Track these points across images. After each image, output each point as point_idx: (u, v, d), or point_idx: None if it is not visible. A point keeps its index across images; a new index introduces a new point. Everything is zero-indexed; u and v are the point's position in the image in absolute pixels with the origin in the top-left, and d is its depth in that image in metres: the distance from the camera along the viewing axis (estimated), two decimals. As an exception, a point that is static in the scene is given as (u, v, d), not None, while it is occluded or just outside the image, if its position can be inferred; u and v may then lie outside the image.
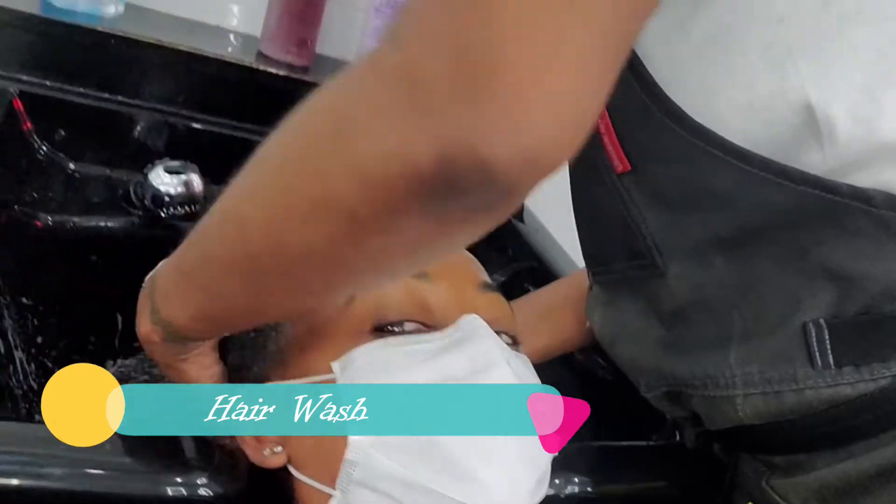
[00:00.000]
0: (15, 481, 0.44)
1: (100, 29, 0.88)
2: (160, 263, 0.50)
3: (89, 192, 0.87)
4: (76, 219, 0.83)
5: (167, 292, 0.48)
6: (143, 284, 0.50)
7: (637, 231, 0.53)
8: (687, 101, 0.47)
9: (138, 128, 0.91)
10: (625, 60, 0.33)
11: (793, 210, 0.47)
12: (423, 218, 0.34)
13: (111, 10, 0.91)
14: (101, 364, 0.85)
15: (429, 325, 0.50)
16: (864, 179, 0.45)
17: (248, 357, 0.55)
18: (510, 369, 0.48)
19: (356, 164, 0.34)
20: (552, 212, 1.03)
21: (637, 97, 0.49)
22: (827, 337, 0.48)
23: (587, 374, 0.76)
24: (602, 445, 0.62)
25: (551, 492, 0.52)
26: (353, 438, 0.46)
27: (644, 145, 0.51)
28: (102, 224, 0.85)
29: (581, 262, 0.86)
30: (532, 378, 0.51)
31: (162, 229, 0.85)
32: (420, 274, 0.51)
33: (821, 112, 0.44)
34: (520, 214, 1.03)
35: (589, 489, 0.59)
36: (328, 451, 0.47)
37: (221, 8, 1.01)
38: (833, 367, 0.48)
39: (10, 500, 0.45)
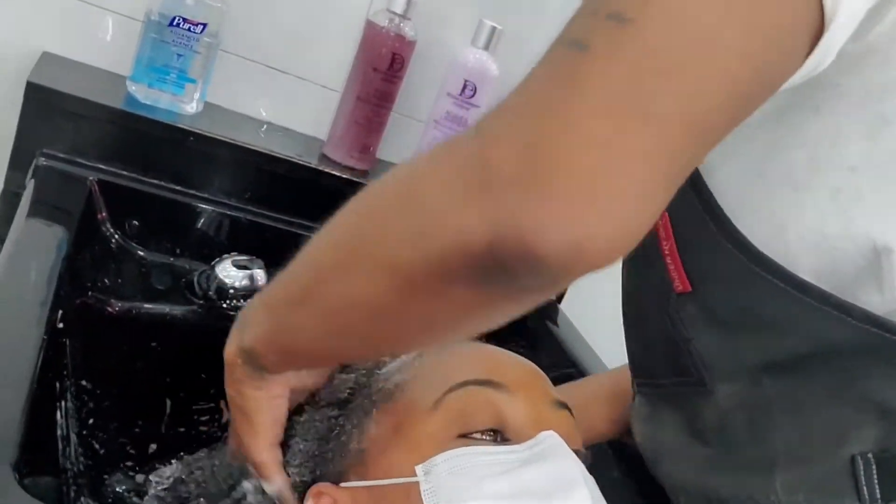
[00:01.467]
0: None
1: (179, 125, 0.93)
2: (254, 297, 0.56)
3: (154, 280, 0.90)
4: (145, 305, 0.86)
5: (251, 321, 0.54)
6: (241, 312, 0.57)
7: (685, 348, 0.55)
8: (753, 232, 0.49)
9: (205, 220, 0.95)
10: (685, 179, 0.36)
11: (847, 343, 0.48)
12: (471, 290, 0.37)
13: (190, 108, 0.96)
14: (144, 447, 0.87)
15: (506, 438, 0.52)
16: None
17: (328, 452, 0.56)
18: (587, 489, 0.49)
19: (419, 232, 0.37)
20: (585, 316, 1.06)
21: (704, 223, 0.51)
22: (875, 472, 0.49)
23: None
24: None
25: None
26: None
27: (705, 268, 0.53)
28: (167, 311, 0.87)
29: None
30: (602, 499, 0.51)
31: (221, 320, 0.87)
32: (500, 386, 0.53)
33: (885, 257, 0.46)
34: (554, 317, 1.05)
35: None
36: None
37: (291, 111, 1.06)
38: (881, 501, 0.49)
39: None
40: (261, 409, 0.56)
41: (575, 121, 0.33)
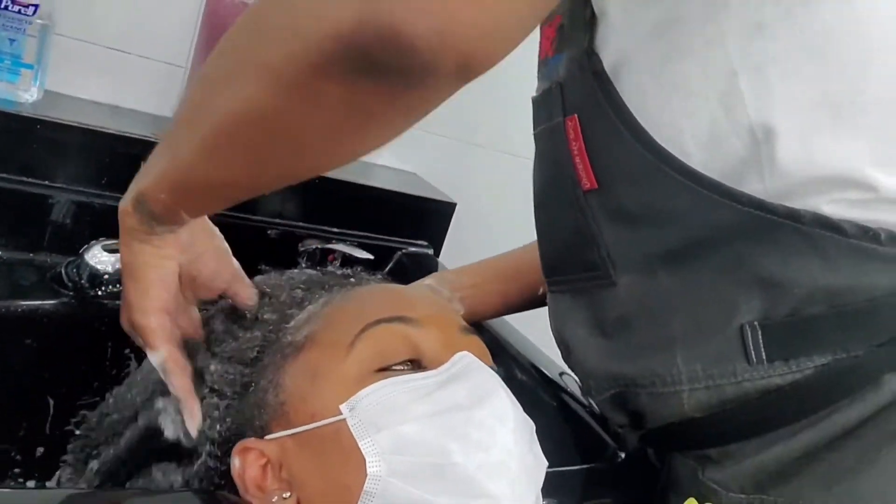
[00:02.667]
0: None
1: (20, 114, 0.88)
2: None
3: (16, 277, 0.86)
4: (14, 302, 0.82)
5: (148, 165, 0.53)
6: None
7: (593, 243, 0.60)
8: (655, 130, 0.56)
9: (62, 211, 0.91)
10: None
11: (735, 227, 0.55)
12: (343, 86, 0.38)
13: (29, 96, 0.92)
14: (31, 451, 0.84)
15: (423, 366, 0.55)
16: (796, 203, 0.54)
17: (246, 409, 0.58)
18: (506, 395, 0.54)
19: (292, 26, 0.39)
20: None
21: (612, 124, 0.57)
22: (760, 337, 0.56)
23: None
24: (563, 470, 0.68)
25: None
26: (371, 470, 0.49)
27: (612, 167, 0.58)
28: (38, 306, 0.84)
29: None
30: (519, 405, 0.56)
31: (99, 309, 0.85)
32: (410, 320, 0.56)
33: (765, 150, 0.53)
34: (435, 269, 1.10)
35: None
36: (343, 486, 0.51)
37: (136, 93, 1.03)
38: (766, 362, 0.56)
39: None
40: (147, 265, 0.56)
41: None
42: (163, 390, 0.61)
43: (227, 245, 0.63)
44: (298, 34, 0.38)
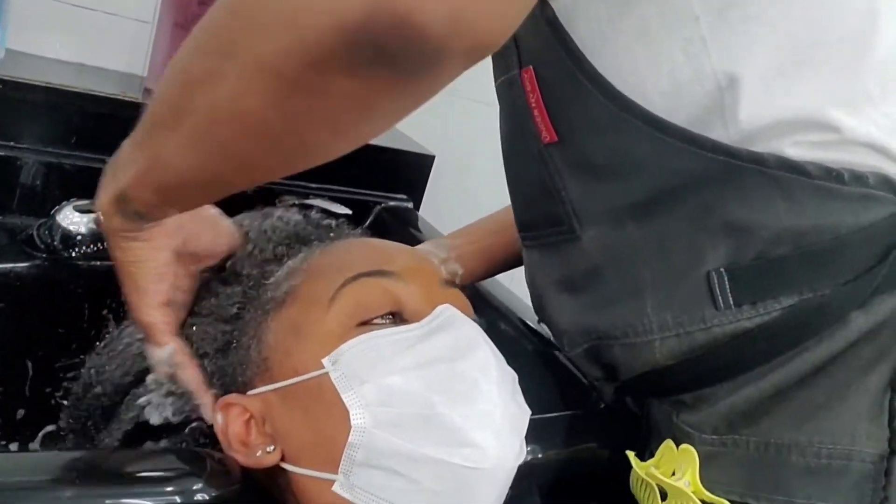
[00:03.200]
0: None
1: (-17, 74, 0.86)
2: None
3: (-14, 241, 0.84)
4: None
5: (122, 163, 0.50)
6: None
7: (557, 198, 0.60)
8: (616, 79, 0.54)
9: (31, 172, 0.89)
10: None
11: (700, 174, 0.54)
12: (350, 79, 0.36)
13: (-10, 55, 0.89)
14: (12, 414, 0.83)
15: (405, 319, 0.55)
16: (760, 147, 0.54)
17: (228, 366, 0.57)
18: (488, 347, 0.54)
19: (290, 18, 0.36)
20: (442, 219, 1.11)
21: (570, 74, 0.55)
22: (727, 282, 0.56)
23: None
24: (547, 417, 0.69)
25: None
26: (355, 422, 0.49)
27: (572, 118, 0.57)
28: (9, 269, 0.82)
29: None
30: (500, 355, 0.56)
31: (71, 270, 0.84)
32: (391, 274, 0.56)
33: (728, 96, 0.53)
34: (415, 223, 1.09)
35: (539, 455, 0.65)
36: (328, 439, 0.51)
37: (102, 50, 1.01)
38: (734, 306, 0.56)
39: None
40: (141, 261, 0.54)
41: None
42: (142, 372, 0.60)
43: (215, 209, 0.61)
44: (295, 27, 0.36)
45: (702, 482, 0.57)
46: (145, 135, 0.48)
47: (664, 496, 0.59)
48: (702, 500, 0.57)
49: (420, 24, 0.33)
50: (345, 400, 0.50)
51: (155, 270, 0.55)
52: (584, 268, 0.61)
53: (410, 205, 1.15)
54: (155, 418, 0.58)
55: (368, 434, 0.49)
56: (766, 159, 0.53)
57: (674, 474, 0.58)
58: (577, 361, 0.68)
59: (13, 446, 0.81)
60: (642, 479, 0.60)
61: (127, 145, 0.51)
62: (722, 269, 0.56)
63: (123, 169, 0.50)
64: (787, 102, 0.53)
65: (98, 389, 0.62)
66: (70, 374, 0.86)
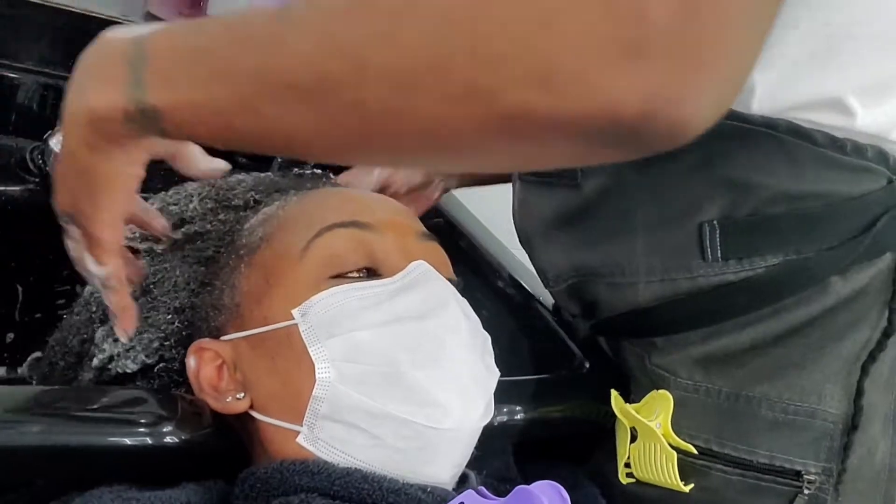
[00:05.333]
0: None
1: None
2: (143, 29, 0.43)
3: (-22, 161, 0.84)
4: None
5: (177, 83, 0.41)
6: (114, 48, 0.44)
7: None
8: None
9: (27, 93, 0.88)
10: None
11: (711, 132, 0.53)
12: (584, 147, 0.34)
13: (-11, -31, 0.87)
14: (1, 338, 0.84)
15: (378, 273, 0.54)
16: (774, 114, 0.55)
17: (201, 309, 0.57)
18: (459, 307, 0.53)
19: (551, 79, 0.31)
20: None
21: None
22: (718, 236, 0.57)
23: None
24: (522, 379, 0.69)
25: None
26: (320, 376, 0.49)
27: None
28: (1, 192, 0.82)
29: (481, 217, 0.93)
30: (474, 316, 0.56)
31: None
32: (366, 226, 0.55)
33: (758, 77, 0.53)
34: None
35: (516, 417, 0.65)
36: (293, 390, 0.51)
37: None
38: (721, 260, 0.57)
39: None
40: (116, 173, 0.48)
41: None
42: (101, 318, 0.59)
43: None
44: (552, 89, 0.31)
45: (671, 427, 0.59)
46: (245, 77, 0.39)
47: (634, 439, 0.61)
48: (669, 444, 0.59)
49: (695, 126, 0.32)
50: (311, 353, 0.50)
51: (126, 186, 0.50)
52: (579, 205, 0.62)
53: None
54: (130, 365, 0.58)
55: (333, 388, 0.49)
56: (779, 124, 0.54)
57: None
58: (557, 297, 0.70)
59: (0, 370, 0.83)
60: (620, 420, 0.63)
61: (179, 57, 0.41)
62: (714, 222, 0.57)
63: (170, 85, 0.41)
64: (816, 86, 0.54)
65: (62, 363, 0.62)
66: (60, 302, 0.87)
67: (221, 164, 0.60)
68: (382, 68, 0.34)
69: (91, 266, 0.53)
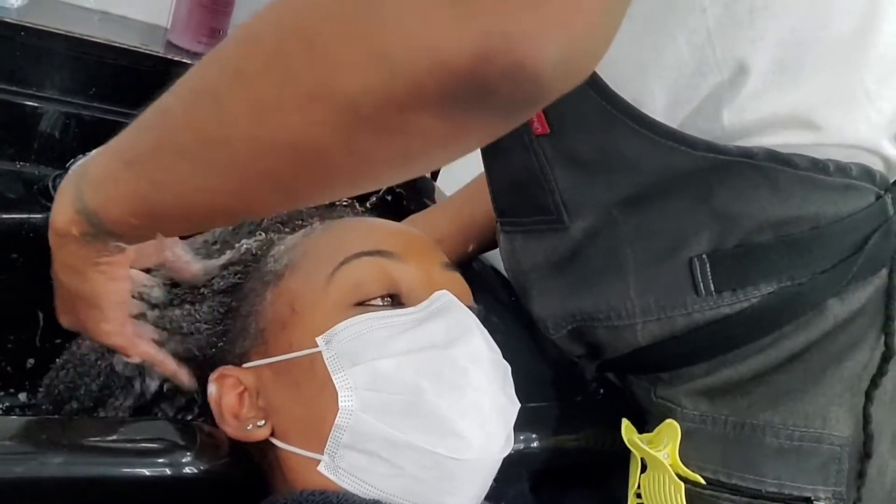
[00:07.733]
0: (18, 469, 0.46)
1: (4, 20, 0.85)
2: (92, 152, 0.46)
3: (3, 189, 0.85)
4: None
5: (101, 182, 0.45)
6: (68, 172, 0.47)
7: (547, 188, 0.59)
8: (610, 75, 0.54)
9: (49, 122, 0.89)
10: None
11: (691, 171, 0.54)
12: (440, 119, 0.33)
13: (13, 1, 0.89)
14: (21, 363, 0.85)
15: (402, 302, 0.54)
16: (751, 141, 0.54)
17: (226, 336, 0.58)
18: (482, 337, 0.54)
19: (378, 53, 0.31)
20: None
21: None
22: (709, 269, 0.56)
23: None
24: (540, 405, 0.69)
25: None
26: (343, 404, 0.50)
27: (564, 112, 0.56)
28: (24, 219, 0.83)
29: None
30: (495, 346, 0.56)
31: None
32: (391, 255, 0.55)
33: (730, 89, 0.53)
34: (431, 194, 1.08)
35: (532, 445, 0.65)
36: (316, 418, 0.51)
37: (126, -1, 1.00)
38: (714, 293, 0.57)
39: (10, 488, 0.46)
40: (101, 293, 0.51)
41: None
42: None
43: None
44: (383, 66, 0.31)
45: (679, 457, 0.59)
46: (143, 155, 0.42)
47: (644, 468, 0.61)
48: (677, 474, 0.59)
49: (535, 70, 0.30)
50: (335, 381, 0.50)
51: (118, 300, 0.53)
52: (568, 248, 0.62)
53: (427, 174, 1.14)
54: (153, 387, 0.59)
55: (355, 417, 0.50)
56: (755, 153, 0.54)
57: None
58: (559, 342, 0.69)
59: (21, 396, 0.83)
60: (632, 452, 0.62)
61: (104, 160, 0.45)
62: (704, 256, 0.57)
63: (97, 186, 0.45)
64: (784, 98, 0.54)
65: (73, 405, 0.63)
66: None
67: (213, 263, 0.62)
68: (237, 101, 0.36)
69: (126, 360, 0.57)
